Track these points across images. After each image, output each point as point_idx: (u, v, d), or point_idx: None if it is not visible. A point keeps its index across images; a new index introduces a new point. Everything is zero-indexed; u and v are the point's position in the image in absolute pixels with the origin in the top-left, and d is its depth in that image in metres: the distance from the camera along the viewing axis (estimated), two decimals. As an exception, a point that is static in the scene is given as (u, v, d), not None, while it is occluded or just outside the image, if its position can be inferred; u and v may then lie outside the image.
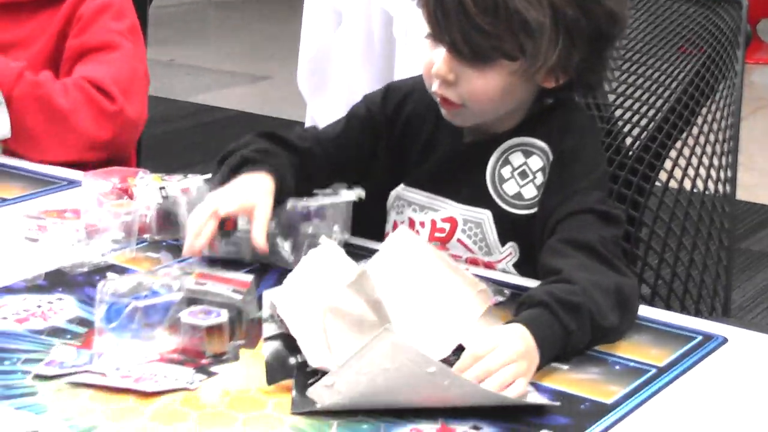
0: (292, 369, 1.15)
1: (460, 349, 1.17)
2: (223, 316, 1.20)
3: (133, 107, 1.84)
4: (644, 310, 1.31)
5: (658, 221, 1.64)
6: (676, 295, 1.64)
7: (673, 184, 1.64)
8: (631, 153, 1.66)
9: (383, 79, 1.85)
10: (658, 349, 1.23)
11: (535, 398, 1.12)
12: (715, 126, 1.63)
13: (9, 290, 1.33)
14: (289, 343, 1.17)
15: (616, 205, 1.53)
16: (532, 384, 1.14)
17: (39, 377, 1.15)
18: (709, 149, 1.62)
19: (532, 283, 1.34)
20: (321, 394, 1.10)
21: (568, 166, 1.39)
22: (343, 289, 1.16)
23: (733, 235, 1.63)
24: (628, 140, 1.67)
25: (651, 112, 1.67)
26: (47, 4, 1.90)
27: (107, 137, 1.81)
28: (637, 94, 1.68)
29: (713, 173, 1.62)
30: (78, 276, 1.37)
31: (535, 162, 1.41)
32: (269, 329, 1.20)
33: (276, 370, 1.14)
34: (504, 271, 1.42)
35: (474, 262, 1.44)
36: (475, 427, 1.08)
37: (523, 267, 1.42)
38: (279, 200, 1.38)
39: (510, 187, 1.42)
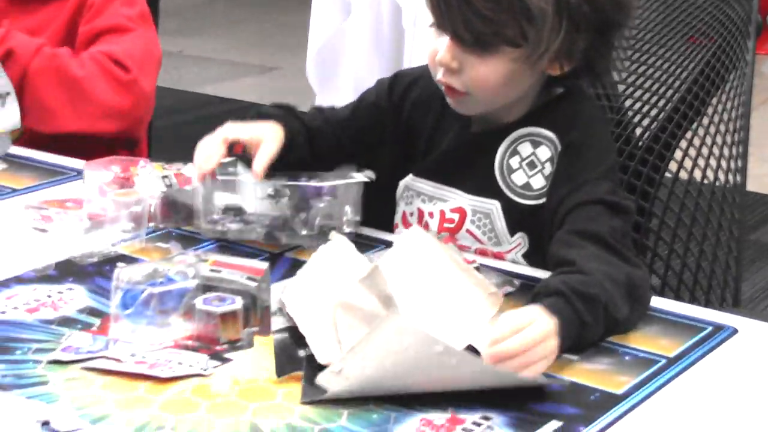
0: (301, 361, 1.15)
1: (470, 349, 1.17)
2: (237, 303, 1.21)
3: (147, 81, 1.88)
4: (654, 301, 1.31)
5: (668, 212, 1.64)
6: (686, 286, 1.64)
7: (683, 174, 1.64)
8: (641, 143, 1.66)
9: (392, 70, 1.85)
10: (668, 339, 1.23)
11: (544, 381, 1.12)
12: (725, 116, 1.63)
13: (19, 280, 1.34)
14: (298, 336, 1.18)
15: (626, 195, 1.52)
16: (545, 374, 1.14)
17: (53, 364, 1.15)
18: (719, 139, 1.62)
19: (542, 274, 1.34)
20: (329, 380, 1.10)
21: (576, 156, 1.39)
22: (355, 284, 1.16)
23: (743, 226, 1.63)
24: (638, 130, 1.67)
25: (661, 103, 1.66)
26: None
27: (122, 106, 1.85)
28: (647, 85, 1.68)
29: (723, 163, 1.62)
30: (88, 266, 1.38)
31: (544, 152, 1.41)
32: (278, 322, 1.20)
33: (285, 363, 1.14)
34: (513, 261, 1.42)
35: (483, 252, 1.43)
36: (485, 417, 1.08)
37: (532, 257, 1.42)
38: (287, 159, 1.40)
39: (518, 178, 1.42)
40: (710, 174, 1.62)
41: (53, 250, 1.40)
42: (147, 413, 1.08)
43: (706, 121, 1.64)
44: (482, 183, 1.43)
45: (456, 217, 1.44)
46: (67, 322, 1.24)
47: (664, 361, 1.19)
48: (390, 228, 1.51)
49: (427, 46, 1.40)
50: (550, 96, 1.44)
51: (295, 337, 1.18)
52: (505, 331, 1.11)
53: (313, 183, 1.42)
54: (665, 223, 1.65)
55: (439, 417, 1.08)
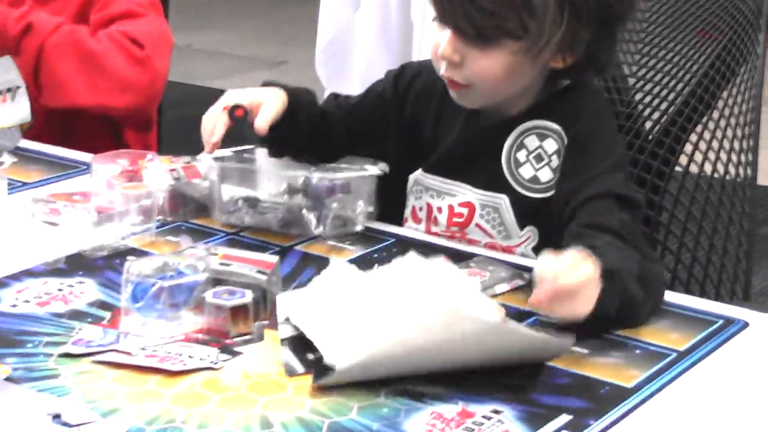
0: (310, 364, 1.14)
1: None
2: (247, 296, 1.21)
3: (161, 61, 1.89)
4: (665, 295, 1.31)
5: (678, 205, 1.64)
6: (696, 280, 1.63)
7: (693, 168, 1.63)
8: (651, 137, 1.66)
9: (401, 63, 1.85)
10: (679, 333, 1.23)
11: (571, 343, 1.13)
12: (735, 109, 1.62)
13: (30, 273, 1.34)
14: (306, 342, 1.17)
15: (636, 188, 1.52)
16: (549, 367, 1.14)
17: (64, 357, 1.15)
18: (729, 133, 1.62)
19: (551, 267, 1.33)
20: (338, 355, 1.09)
21: (583, 150, 1.39)
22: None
23: (753, 220, 1.62)
24: (648, 124, 1.67)
25: (671, 96, 1.66)
26: None
27: (138, 81, 1.87)
28: (657, 78, 1.67)
29: (734, 157, 1.61)
30: (98, 260, 1.38)
31: (550, 145, 1.41)
32: (285, 330, 1.20)
33: (294, 367, 1.14)
34: (523, 255, 1.42)
35: (493, 246, 1.43)
36: (495, 411, 1.08)
37: (542, 251, 1.41)
38: (293, 124, 1.41)
39: (526, 171, 1.41)
40: (720, 168, 1.62)
41: (63, 244, 1.40)
42: (157, 406, 1.08)
43: (716, 114, 1.63)
44: (490, 177, 1.43)
45: (465, 211, 1.44)
46: (77, 315, 1.25)
47: (674, 354, 1.19)
48: (399, 222, 1.51)
49: (431, 41, 1.40)
50: (555, 88, 1.44)
51: (303, 342, 1.17)
52: (562, 264, 1.14)
53: (327, 177, 1.42)
54: (675, 216, 1.64)
55: (450, 410, 1.08)
